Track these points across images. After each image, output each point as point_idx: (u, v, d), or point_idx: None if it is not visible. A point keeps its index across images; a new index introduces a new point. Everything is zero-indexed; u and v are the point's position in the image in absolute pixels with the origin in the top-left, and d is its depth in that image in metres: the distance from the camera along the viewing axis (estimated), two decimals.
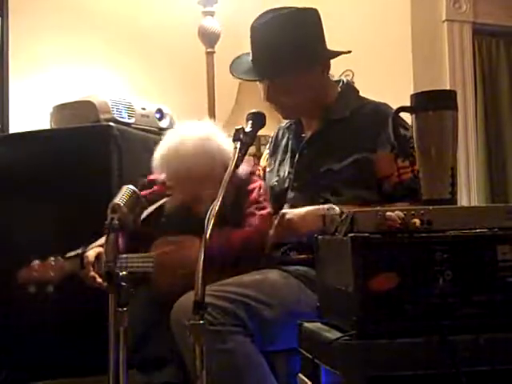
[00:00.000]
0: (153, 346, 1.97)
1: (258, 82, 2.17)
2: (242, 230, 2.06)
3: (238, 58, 2.19)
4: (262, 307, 1.89)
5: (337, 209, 1.89)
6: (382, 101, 2.17)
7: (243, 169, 2.10)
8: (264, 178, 2.32)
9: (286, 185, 2.17)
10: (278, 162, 2.27)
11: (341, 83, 2.22)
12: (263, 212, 2.11)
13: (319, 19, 2.14)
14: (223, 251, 1.93)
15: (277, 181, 2.23)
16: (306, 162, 2.14)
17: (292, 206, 2.10)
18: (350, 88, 2.23)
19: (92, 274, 2.01)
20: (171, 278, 1.98)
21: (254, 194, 2.13)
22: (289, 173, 2.18)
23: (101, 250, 2.03)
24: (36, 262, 2.08)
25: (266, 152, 2.40)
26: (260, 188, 2.16)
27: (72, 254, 2.08)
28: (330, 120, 2.14)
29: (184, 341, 1.81)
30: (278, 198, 2.18)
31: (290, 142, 2.25)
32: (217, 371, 1.70)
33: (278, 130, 2.34)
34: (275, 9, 2.13)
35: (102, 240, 2.03)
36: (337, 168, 2.05)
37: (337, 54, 2.14)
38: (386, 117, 1.97)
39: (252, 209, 2.10)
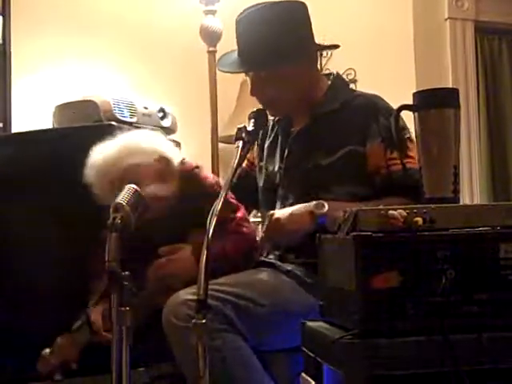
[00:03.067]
0: (152, 339, 1.97)
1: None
2: (233, 240, 2.01)
3: (228, 53, 2.15)
4: (251, 305, 1.86)
5: (326, 206, 1.88)
6: (380, 96, 2.10)
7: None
8: (251, 170, 2.29)
9: (277, 181, 2.13)
10: (265, 157, 2.22)
11: (331, 76, 2.17)
12: (249, 228, 2.07)
13: (306, 12, 2.07)
14: (220, 264, 1.89)
15: (266, 175, 2.19)
16: (294, 158, 2.10)
17: (282, 204, 2.08)
18: (339, 80, 2.18)
19: (107, 336, 1.91)
20: (166, 288, 1.95)
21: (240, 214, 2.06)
22: (279, 168, 2.14)
23: (102, 307, 1.98)
24: (46, 351, 2.00)
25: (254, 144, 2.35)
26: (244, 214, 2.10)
27: (77, 324, 2.01)
28: (318, 114, 2.09)
29: (174, 340, 1.80)
30: (268, 194, 2.16)
31: (278, 137, 2.19)
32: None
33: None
34: (260, 2, 2.08)
35: (99, 291, 2.01)
36: (325, 163, 2.01)
37: (323, 47, 2.09)
38: (378, 109, 1.96)
39: (238, 222, 2.04)
